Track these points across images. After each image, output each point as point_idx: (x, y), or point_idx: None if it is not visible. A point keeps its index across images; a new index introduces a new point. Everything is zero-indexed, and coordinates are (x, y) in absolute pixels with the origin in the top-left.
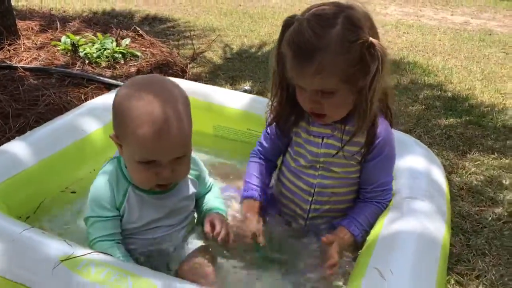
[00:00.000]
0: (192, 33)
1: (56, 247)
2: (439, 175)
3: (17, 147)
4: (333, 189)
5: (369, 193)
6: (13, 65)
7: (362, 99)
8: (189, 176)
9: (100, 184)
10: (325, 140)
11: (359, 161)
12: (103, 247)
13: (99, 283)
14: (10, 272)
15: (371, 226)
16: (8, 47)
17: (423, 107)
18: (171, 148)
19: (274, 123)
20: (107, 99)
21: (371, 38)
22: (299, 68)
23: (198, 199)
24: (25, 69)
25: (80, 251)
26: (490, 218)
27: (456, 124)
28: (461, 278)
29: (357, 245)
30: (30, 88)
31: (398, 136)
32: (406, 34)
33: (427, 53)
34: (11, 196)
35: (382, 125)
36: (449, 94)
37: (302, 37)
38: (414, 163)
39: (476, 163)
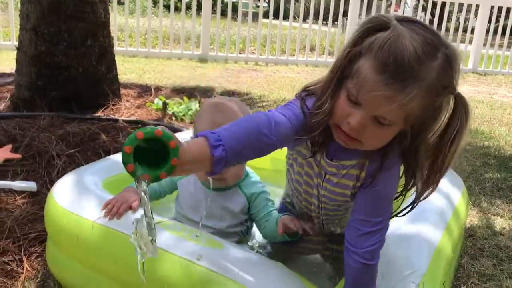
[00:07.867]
0: (264, 103)
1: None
2: (454, 190)
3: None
4: (337, 212)
5: (348, 228)
6: (115, 117)
7: (441, 152)
8: (241, 194)
9: None
10: (327, 176)
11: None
12: None
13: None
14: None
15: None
16: (112, 106)
17: (478, 163)
18: None
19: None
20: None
21: (458, 91)
22: (381, 87)
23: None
24: (124, 121)
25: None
26: None
27: (508, 178)
28: None
29: None
30: (128, 134)
31: None
32: (474, 108)
33: (493, 124)
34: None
35: (393, 161)
36: (507, 154)
37: (401, 54)
38: None
39: None
